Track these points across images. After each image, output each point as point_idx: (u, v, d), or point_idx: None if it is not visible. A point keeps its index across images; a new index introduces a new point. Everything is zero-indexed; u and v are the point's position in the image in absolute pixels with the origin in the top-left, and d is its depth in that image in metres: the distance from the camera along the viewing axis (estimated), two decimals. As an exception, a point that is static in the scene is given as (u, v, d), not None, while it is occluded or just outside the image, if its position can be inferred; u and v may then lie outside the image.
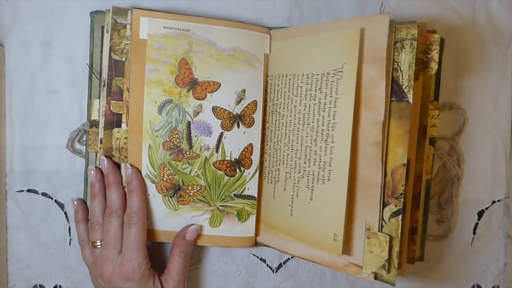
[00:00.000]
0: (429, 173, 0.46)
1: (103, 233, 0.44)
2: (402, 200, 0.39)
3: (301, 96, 0.43)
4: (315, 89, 0.42)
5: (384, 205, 0.40)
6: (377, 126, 0.39)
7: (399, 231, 0.39)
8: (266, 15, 0.49)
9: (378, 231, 0.40)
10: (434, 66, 0.41)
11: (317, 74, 0.42)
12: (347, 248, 0.41)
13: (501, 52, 0.49)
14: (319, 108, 0.42)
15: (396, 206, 0.39)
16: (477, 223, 0.50)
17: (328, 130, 0.41)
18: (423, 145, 0.44)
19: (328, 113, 0.41)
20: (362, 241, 0.41)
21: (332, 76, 0.41)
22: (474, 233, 0.51)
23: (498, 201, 0.50)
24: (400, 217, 0.39)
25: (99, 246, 0.44)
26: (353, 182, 0.41)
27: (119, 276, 0.42)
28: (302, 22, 0.49)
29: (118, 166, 0.45)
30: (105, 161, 0.44)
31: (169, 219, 0.45)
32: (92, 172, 0.44)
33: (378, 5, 0.48)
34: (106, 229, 0.43)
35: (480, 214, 0.50)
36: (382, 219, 0.40)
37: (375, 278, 0.40)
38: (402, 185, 0.39)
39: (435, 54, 0.41)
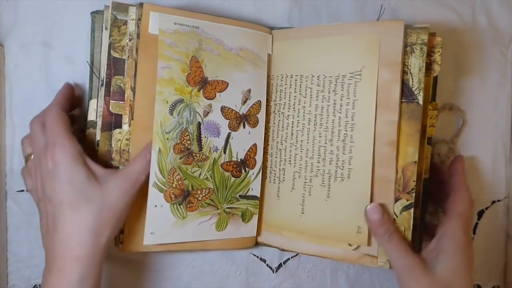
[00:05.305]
0: (427, 173, 0.47)
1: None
2: (413, 195, 0.41)
3: (311, 97, 0.44)
4: (328, 91, 0.43)
5: (395, 200, 0.42)
6: (392, 126, 0.41)
7: (411, 223, 0.42)
8: (266, 15, 0.49)
9: None
10: (437, 68, 0.42)
11: (330, 76, 0.43)
12: (369, 238, 0.43)
13: (501, 52, 0.50)
14: (334, 110, 0.43)
15: (407, 200, 0.41)
16: (477, 223, 0.51)
17: (346, 130, 0.42)
18: (423, 144, 0.45)
19: (346, 114, 0.42)
20: None
21: (348, 79, 0.42)
22: (474, 233, 0.51)
23: (498, 201, 0.50)
24: (412, 210, 0.41)
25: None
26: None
27: (44, 176, 0.38)
28: (302, 22, 0.49)
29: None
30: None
31: (176, 229, 0.43)
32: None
33: (378, 5, 0.48)
34: (29, 135, 0.41)
35: (480, 214, 0.51)
36: (394, 213, 0.42)
37: (390, 266, 0.43)
38: (414, 181, 0.41)
39: (437, 57, 0.42)
